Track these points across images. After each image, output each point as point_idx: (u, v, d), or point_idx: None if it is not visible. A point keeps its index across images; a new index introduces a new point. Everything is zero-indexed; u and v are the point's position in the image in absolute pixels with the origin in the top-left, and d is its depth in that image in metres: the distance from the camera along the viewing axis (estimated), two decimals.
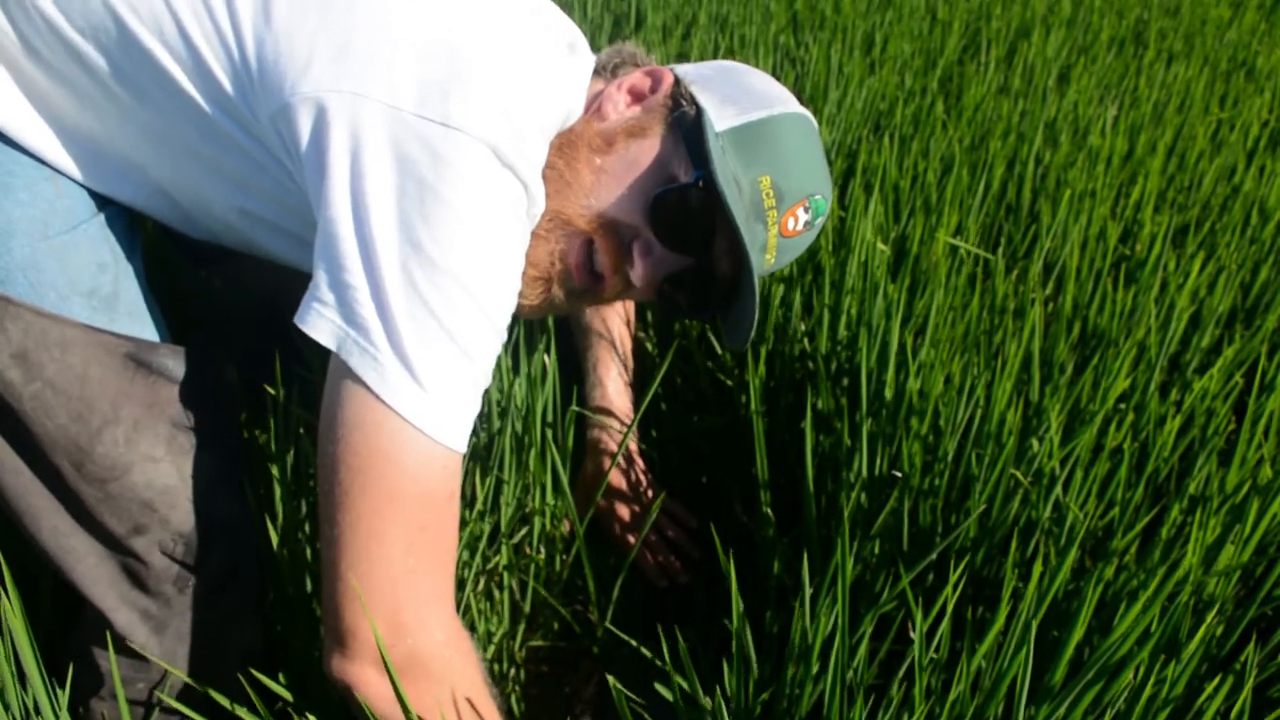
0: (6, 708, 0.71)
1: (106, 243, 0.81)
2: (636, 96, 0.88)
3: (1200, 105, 2.24)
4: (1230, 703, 0.80)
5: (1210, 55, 2.79)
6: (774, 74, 2.36)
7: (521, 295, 0.85)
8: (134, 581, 0.80)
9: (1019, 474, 0.94)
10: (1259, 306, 1.46)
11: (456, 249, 0.70)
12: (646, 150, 0.85)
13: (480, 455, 1.04)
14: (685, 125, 0.85)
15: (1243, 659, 0.80)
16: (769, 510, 1.05)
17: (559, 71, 0.83)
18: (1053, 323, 1.19)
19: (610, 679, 0.75)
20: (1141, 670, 0.76)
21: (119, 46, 0.75)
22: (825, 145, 1.79)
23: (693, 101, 0.86)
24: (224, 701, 0.80)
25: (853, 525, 0.99)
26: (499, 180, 0.74)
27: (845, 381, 1.17)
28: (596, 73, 0.92)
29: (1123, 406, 1.11)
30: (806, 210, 0.88)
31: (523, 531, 1.06)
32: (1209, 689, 0.77)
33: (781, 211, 0.86)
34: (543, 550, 1.05)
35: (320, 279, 0.71)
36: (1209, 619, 0.78)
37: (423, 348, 0.69)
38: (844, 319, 1.20)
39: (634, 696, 0.87)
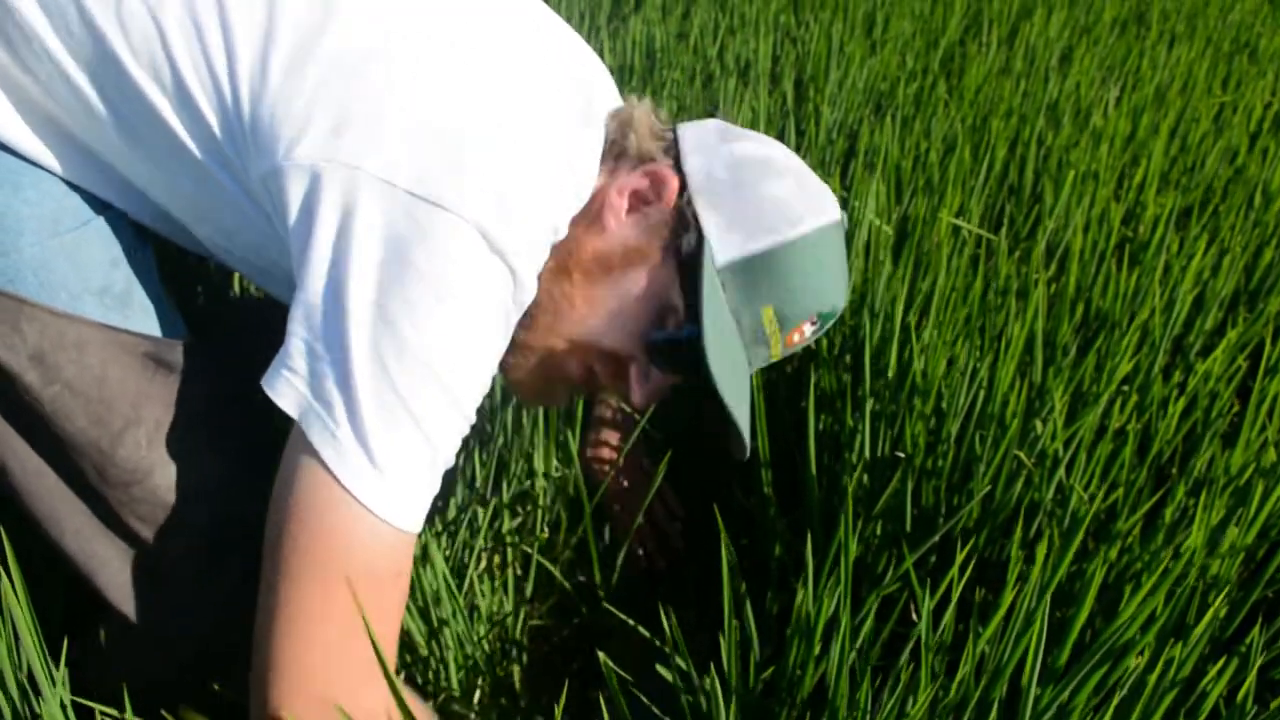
0: (5, 690, 0.70)
1: (117, 238, 0.78)
2: (636, 202, 0.82)
3: (1203, 87, 2.23)
4: (1234, 685, 0.80)
5: (1213, 37, 2.77)
6: (774, 54, 2.33)
7: (516, 387, 0.87)
8: (158, 582, 0.79)
9: (1022, 455, 0.93)
10: (1262, 289, 1.45)
11: (432, 333, 0.68)
12: (642, 280, 0.82)
13: (484, 429, 1.03)
14: (684, 255, 0.81)
15: (1248, 641, 0.80)
16: (769, 490, 1.04)
17: (567, 154, 0.79)
18: (1056, 304, 1.18)
19: (601, 655, 0.73)
20: (1147, 653, 0.75)
21: (115, 87, 0.72)
22: (827, 125, 1.78)
23: (696, 224, 0.81)
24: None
25: (855, 506, 0.99)
26: (485, 266, 0.71)
27: (847, 359, 1.16)
28: (605, 147, 0.85)
29: (1126, 388, 1.10)
30: (814, 323, 0.86)
31: (526, 508, 1.05)
32: (1212, 671, 0.76)
33: (785, 331, 0.84)
34: (546, 530, 1.05)
35: (293, 346, 0.69)
36: (1215, 601, 0.78)
37: (384, 432, 0.67)
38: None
39: (624, 675, 0.86)
